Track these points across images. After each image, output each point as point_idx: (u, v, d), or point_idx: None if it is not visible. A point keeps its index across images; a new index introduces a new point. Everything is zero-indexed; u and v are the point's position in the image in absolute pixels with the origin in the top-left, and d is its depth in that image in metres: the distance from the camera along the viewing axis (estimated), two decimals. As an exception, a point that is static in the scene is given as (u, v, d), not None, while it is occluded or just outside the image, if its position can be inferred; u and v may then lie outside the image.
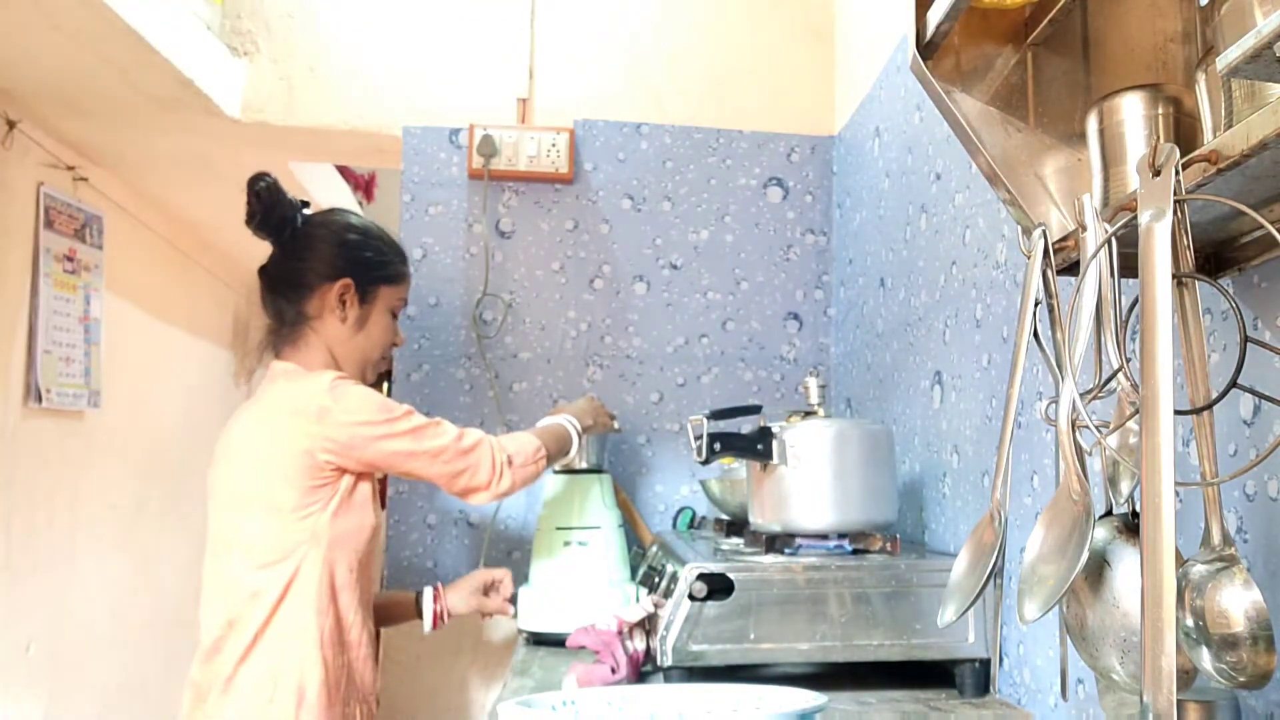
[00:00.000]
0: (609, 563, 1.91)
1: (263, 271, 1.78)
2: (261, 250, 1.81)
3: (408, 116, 2.40)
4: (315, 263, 1.74)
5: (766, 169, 2.46)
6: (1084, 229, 0.81)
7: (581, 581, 1.88)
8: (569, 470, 1.99)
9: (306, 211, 1.80)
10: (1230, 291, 0.86)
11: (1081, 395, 0.76)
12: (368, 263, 1.77)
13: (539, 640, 1.85)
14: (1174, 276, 0.68)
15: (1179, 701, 0.65)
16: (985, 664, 1.36)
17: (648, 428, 2.37)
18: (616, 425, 2.02)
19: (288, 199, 1.76)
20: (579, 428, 1.87)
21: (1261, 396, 0.74)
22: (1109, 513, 0.81)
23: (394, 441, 1.64)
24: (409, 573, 2.27)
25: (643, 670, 1.44)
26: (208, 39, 2.31)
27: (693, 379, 2.40)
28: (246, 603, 1.58)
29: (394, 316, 1.82)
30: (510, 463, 1.69)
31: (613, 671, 1.39)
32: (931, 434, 1.71)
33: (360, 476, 1.67)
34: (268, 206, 1.72)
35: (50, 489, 2.87)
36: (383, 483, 2.43)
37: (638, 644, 1.44)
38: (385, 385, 2.41)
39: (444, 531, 2.29)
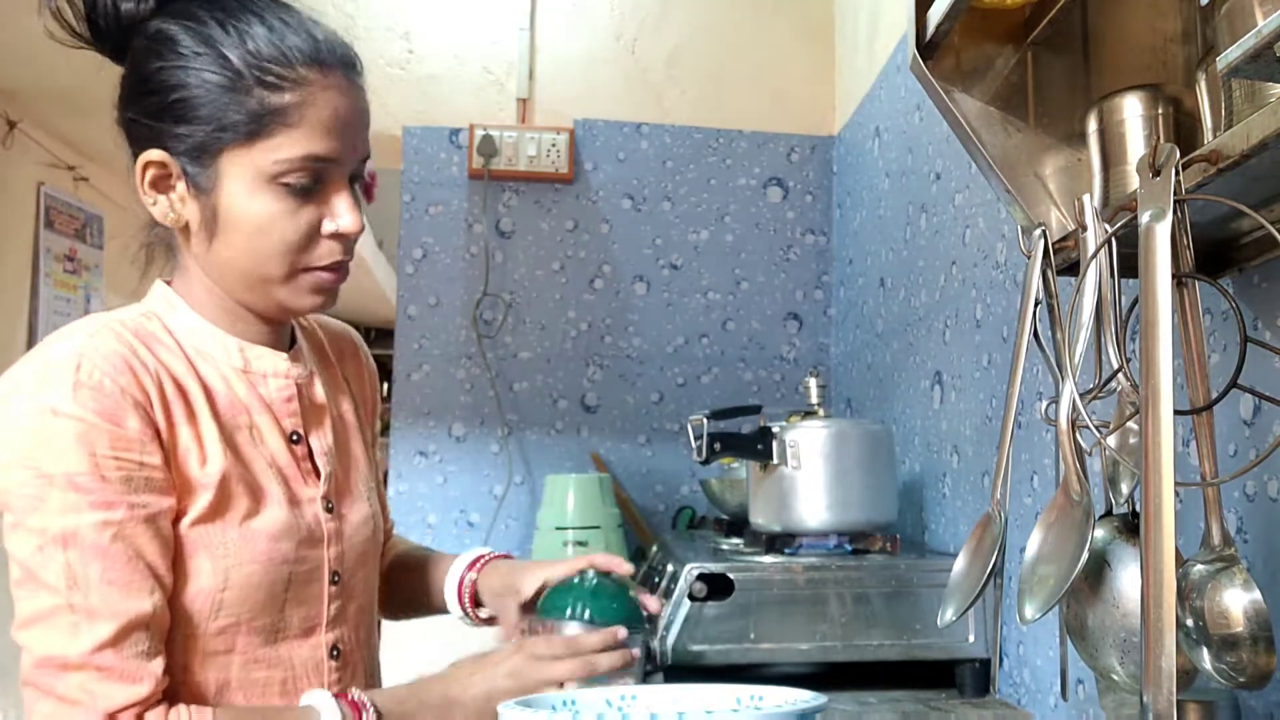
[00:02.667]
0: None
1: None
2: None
3: (408, 116, 2.39)
4: (124, 126, 0.98)
5: (766, 169, 2.46)
6: (1084, 229, 0.81)
7: None
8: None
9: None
10: (1230, 291, 0.86)
11: (1081, 395, 0.76)
12: (185, 107, 0.91)
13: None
14: (1174, 276, 0.68)
15: (1179, 701, 0.65)
16: (985, 664, 1.36)
17: (648, 428, 2.37)
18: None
19: None
20: None
21: (1261, 396, 0.74)
22: (1109, 513, 0.81)
23: (16, 561, 0.85)
24: (409, 573, 2.26)
25: (643, 670, 1.44)
26: (208, 39, 2.31)
27: (693, 379, 2.40)
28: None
29: (301, 185, 0.92)
30: None
31: (613, 671, 1.39)
32: (931, 434, 1.71)
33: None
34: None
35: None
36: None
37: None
38: (385, 386, 2.38)
39: (444, 531, 2.29)
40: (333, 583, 1.00)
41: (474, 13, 2.44)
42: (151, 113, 0.93)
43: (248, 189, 0.91)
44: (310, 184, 0.92)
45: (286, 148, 0.90)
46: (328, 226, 0.94)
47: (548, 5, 2.45)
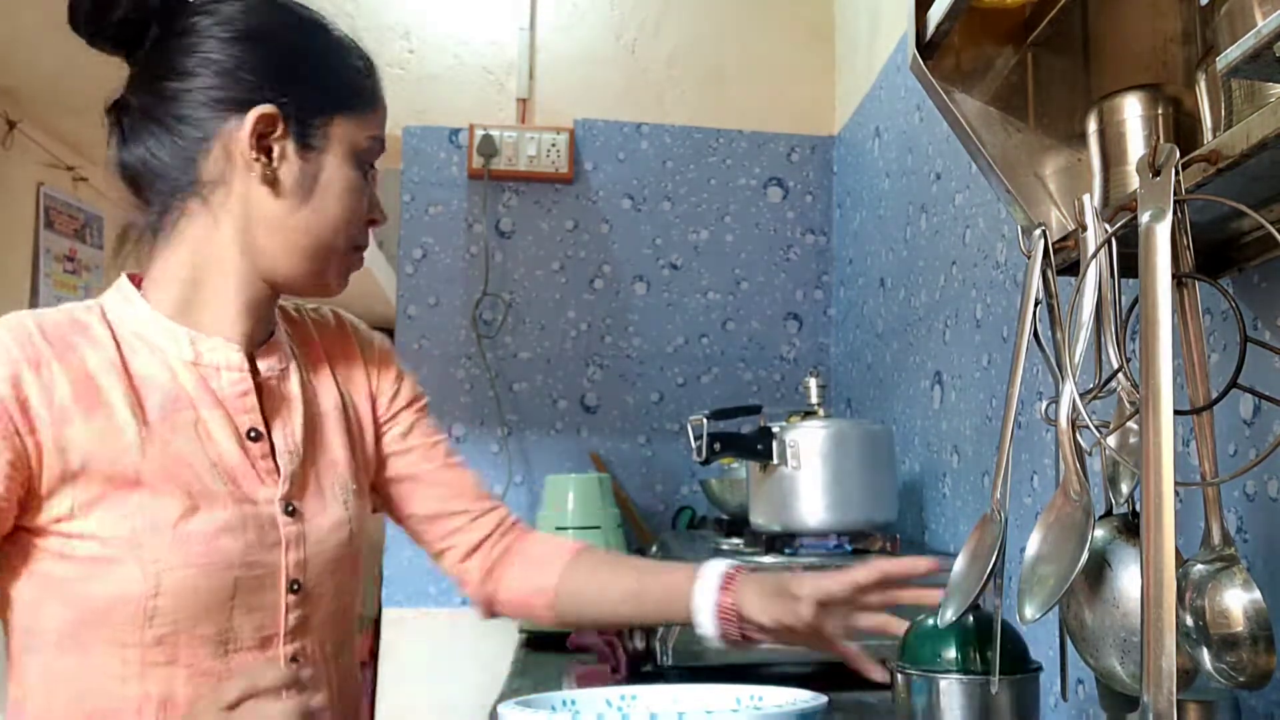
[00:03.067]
0: None
1: (117, 113, 1.01)
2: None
3: (408, 116, 2.39)
4: (210, 78, 0.93)
5: (766, 169, 2.46)
6: (1084, 229, 0.81)
7: None
8: None
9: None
10: (1230, 291, 0.86)
11: (1081, 395, 0.76)
12: (306, 68, 0.96)
13: (539, 640, 1.85)
14: (1174, 276, 0.68)
15: (1179, 701, 0.65)
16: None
17: (648, 428, 2.37)
18: None
19: None
20: None
21: (1261, 396, 0.74)
22: (1109, 513, 0.81)
23: None
24: (409, 572, 2.26)
25: (643, 670, 1.44)
26: (208, 39, 2.31)
27: (693, 379, 2.40)
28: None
29: (366, 167, 0.99)
30: None
31: (613, 671, 1.39)
32: (931, 434, 1.71)
33: (32, 507, 0.86)
34: None
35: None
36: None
37: (638, 644, 1.44)
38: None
39: (444, 531, 2.28)
40: (291, 590, 0.93)
41: (474, 13, 2.44)
42: (267, 67, 0.93)
43: (344, 158, 0.95)
44: (370, 167, 0.99)
45: (373, 128, 0.98)
46: (373, 212, 1.00)
47: (548, 5, 2.45)
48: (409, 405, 1.16)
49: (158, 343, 0.92)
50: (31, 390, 0.84)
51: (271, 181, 0.93)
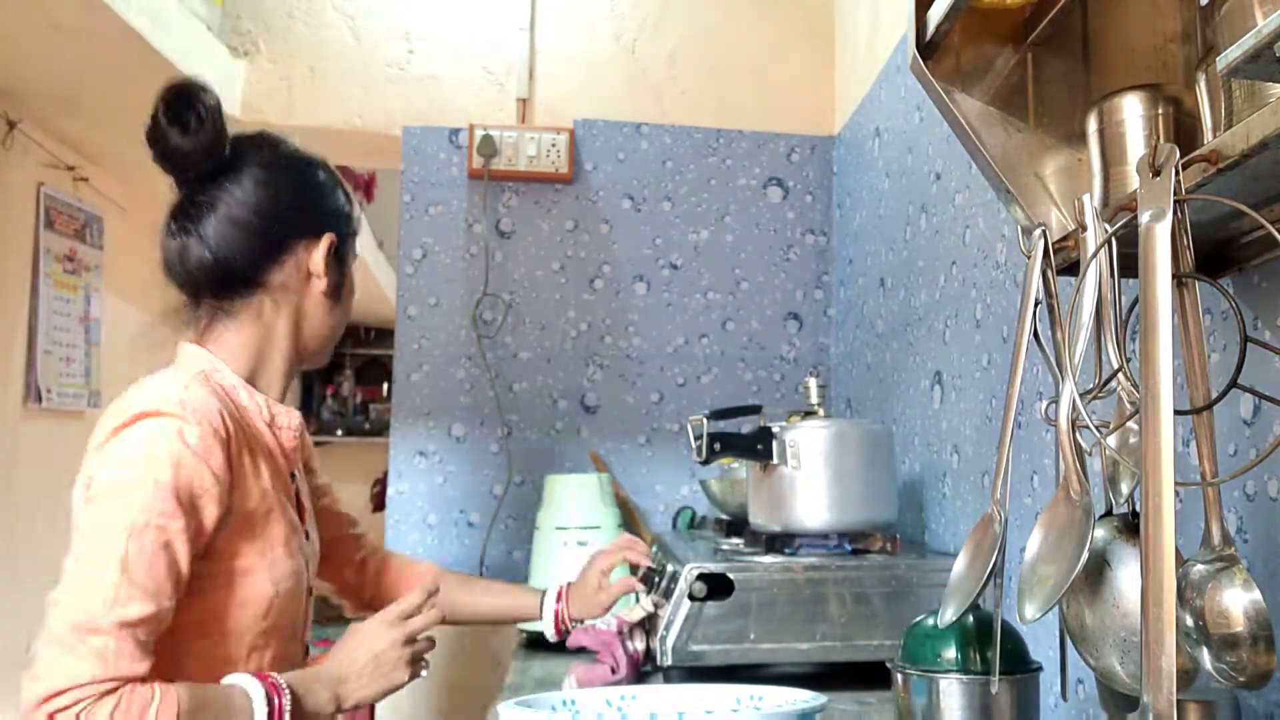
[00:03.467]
0: None
1: (183, 225, 1.21)
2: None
3: (408, 116, 2.40)
4: (286, 211, 1.22)
5: (766, 169, 2.46)
6: (1084, 229, 0.81)
7: None
8: None
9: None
10: (1230, 291, 0.86)
11: (1081, 395, 0.76)
12: (345, 211, 1.30)
13: (539, 640, 1.85)
14: (1174, 276, 0.68)
15: (1179, 701, 0.65)
16: (985, 664, 1.36)
17: (648, 428, 2.37)
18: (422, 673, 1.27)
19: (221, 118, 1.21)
20: (277, 703, 1.06)
21: (1261, 396, 0.74)
22: (1109, 513, 0.81)
23: (84, 538, 1.03)
24: (409, 573, 2.26)
25: (643, 670, 1.44)
26: (208, 39, 2.31)
27: (693, 379, 2.40)
28: None
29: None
30: (66, 710, 0.95)
31: (613, 671, 1.39)
32: (931, 434, 1.71)
33: (220, 528, 1.10)
34: (216, 126, 1.20)
35: (50, 489, 2.87)
36: (381, 482, 2.43)
37: (638, 644, 1.44)
38: (385, 386, 2.37)
39: (444, 531, 2.29)
40: (308, 594, 1.26)
41: (474, 13, 2.44)
42: (323, 203, 1.27)
43: (352, 270, 1.31)
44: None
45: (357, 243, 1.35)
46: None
47: (548, 5, 2.45)
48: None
49: (247, 405, 1.19)
50: (233, 442, 1.12)
51: (324, 290, 1.26)
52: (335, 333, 1.31)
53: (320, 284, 1.25)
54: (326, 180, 1.29)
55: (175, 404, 1.07)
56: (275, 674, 1.09)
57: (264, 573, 1.13)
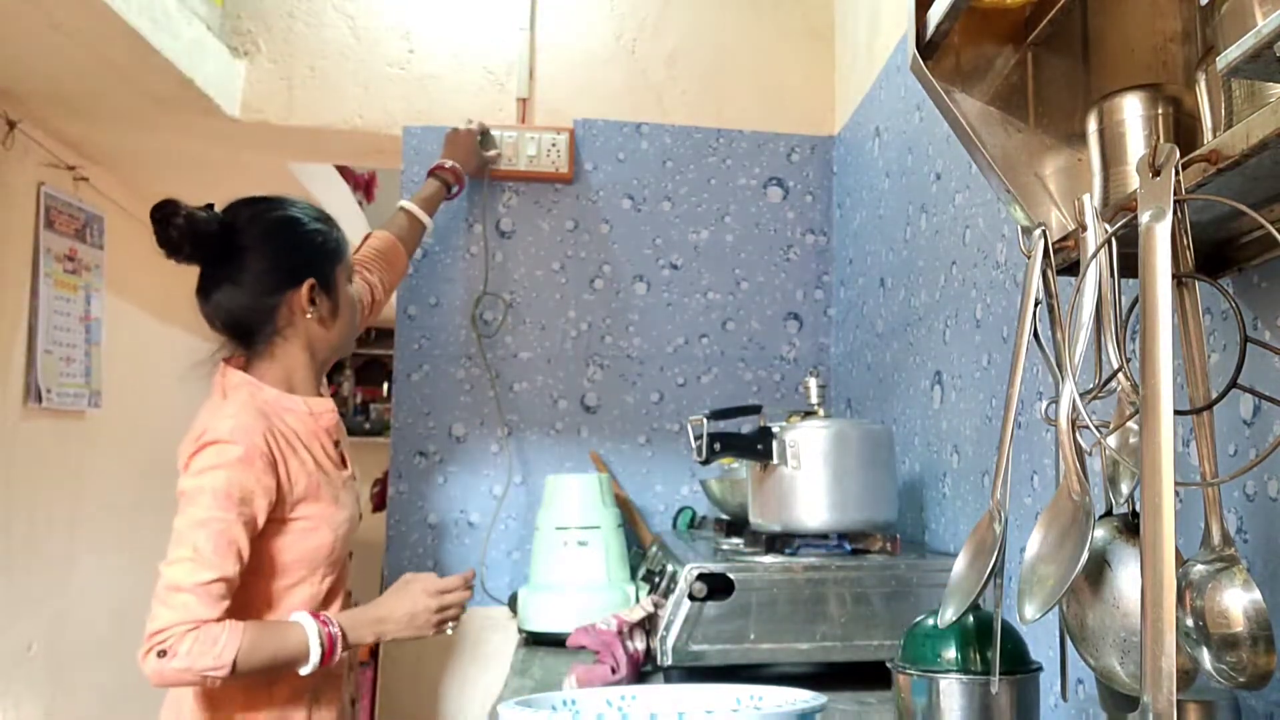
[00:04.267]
0: (609, 562, 1.91)
1: (204, 295, 1.59)
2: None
3: (408, 116, 2.40)
4: (272, 274, 1.57)
5: (766, 169, 2.46)
6: (1084, 229, 0.81)
7: (581, 581, 1.88)
8: None
9: (219, 214, 1.59)
10: (1230, 291, 0.86)
11: (1081, 395, 0.76)
12: (321, 248, 1.62)
13: (539, 640, 1.85)
14: (1174, 276, 0.68)
15: (1179, 701, 0.65)
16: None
17: (648, 428, 2.37)
18: (450, 629, 1.67)
19: (199, 213, 1.55)
20: (327, 645, 1.48)
21: (1261, 396, 0.74)
22: (1109, 513, 0.81)
23: (176, 530, 1.44)
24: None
25: (643, 670, 1.44)
26: (208, 39, 2.31)
27: (693, 379, 2.40)
28: None
29: (351, 281, 1.71)
30: (162, 655, 1.37)
31: (613, 671, 1.39)
32: (931, 434, 1.71)
33: (276, 510, 1.50)
34: (193, 230, 1.53)
35: (50, 489, 2.87)
36: (381, 482, 2.43)
37: (638, 644, 1.44)
38: (385, 386, 2.39)
39: (445, 531, 2.29)
40: (358, 519, 1.67)
41: (474, 13, 2.44)
42: (300, 254, 1.61)
43: (345, 283, 1.67)
44: (350, 276, 1.71)
45: (348, 256, 1.70)
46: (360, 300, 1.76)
47: (548, 5, 2.45)
48: None
49: (290, 408, 1.58)
50: (273, 447, 1.50)
51: (320, 320, 1.62)
52: (344, 340, 1.69)
53: (313, 315, 1.60)
54: (302, 231, 1.61)
55: (228, 431, 1.46)
56: (326, 614, 1.52)
57: (325, 525, 1.55)
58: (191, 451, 1.47)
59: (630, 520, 2.24)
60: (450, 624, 1.64)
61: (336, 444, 1.65)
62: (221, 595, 1.41)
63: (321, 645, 1.46)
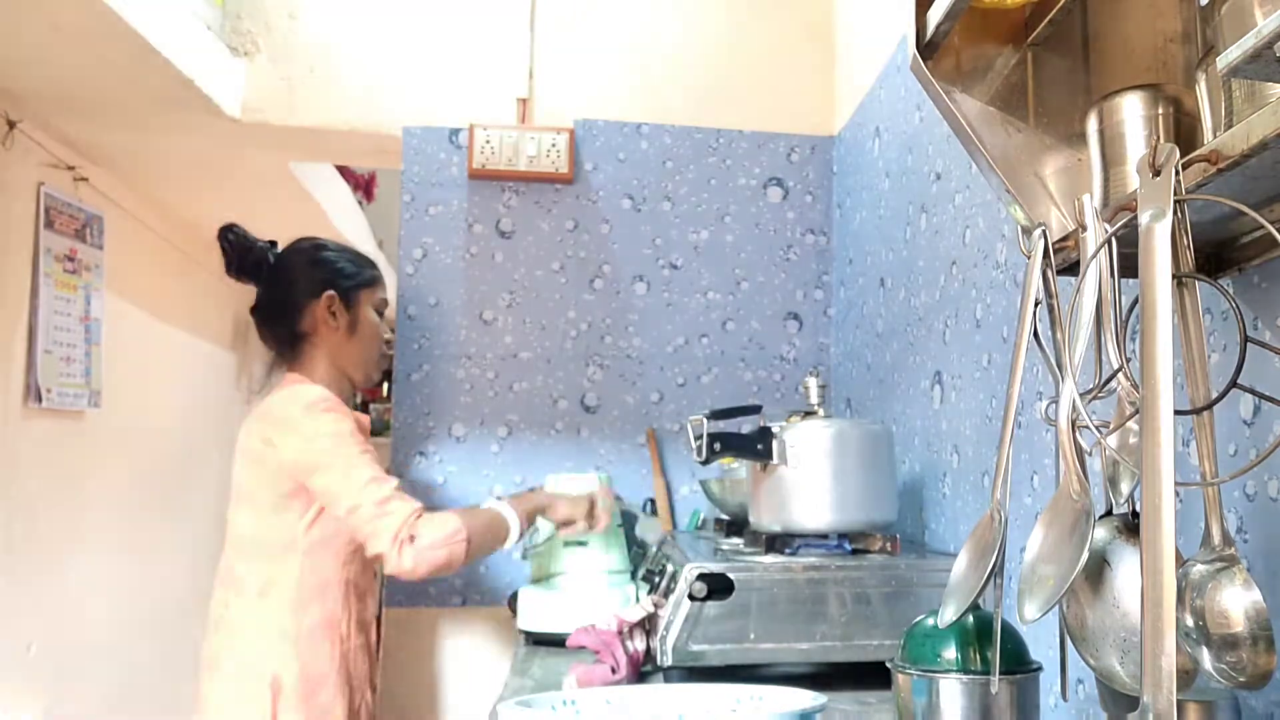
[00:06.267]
0: (608, 562, 1.91)
1: (254, 311, 1.92)
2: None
3: (408, 116, 2.40)
4: (299, 286, 1.86)
5: (766, 169, 2.46)
6: (1084, 229, 0.81)
7: (581, 581, 1.88)
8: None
9: (276, 248, 1.94)
10: (1230, 291, 0.86)
11: (1081, 395, 0.76)
12: (342, 272, 1.89)
13: (539, 640, 1.85)
14: (1174, 276, 0.68)
15: (1179, 701, 0.65)
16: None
17: (648, 428, 2.37)
18: (602, 524, 1.88)
19: (256, 242, 1.90)
20: (520, 520, 1.78)
21: (1261, 396, 0.74)
22: (1109, 513, 0.81)
23: (327, 476, 1.68)
24: (409, 573, 2.26)
25: (643, 670, 1.44)
26: (208, 39, 2.31)
27: (693, 379, 2.40)
28: (235, 592, 1.73)
29: (382, 314, 1.94)
30: (411, 540, 1.64)
31: (613, 671, 1.39)
32: (931, 434, 1.71)
33: None
34: (241, 252, 1.87)
35: (50, 489, 2.87)
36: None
37: (638, 644, 1.44)
38: (385, 386, 2.43)
39: (444, 531, 2.28)
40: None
41: (474, 13, 2.44)
42: (324, 274, 1.87)
43: (368, 310, 1.91)
44: (382, 314, 1.94)
45: (381, 293, 1.95)
46: (385, 336, 1.97)
47: (548, 5, 2.45)
48: None
49: (340, 405, 1.81)
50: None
51: (336, 328, 1.86)
52: (365, 358, 1.90)
53: (334, 325, 1.85)
54: (325, 257, 1.90)
55: (319, 395, 1.75)
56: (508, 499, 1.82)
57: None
58: (300, 411, 1.71)
59: (660, 504, 2.26)
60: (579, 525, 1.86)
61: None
62: (413, 494, 1.71)
63: (514, 518, 1.76)
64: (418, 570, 1.63)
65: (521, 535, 1.78)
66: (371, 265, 1.96)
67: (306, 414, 1.71)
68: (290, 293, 1.87)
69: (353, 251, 1.97)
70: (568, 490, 1.89)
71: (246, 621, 1.72)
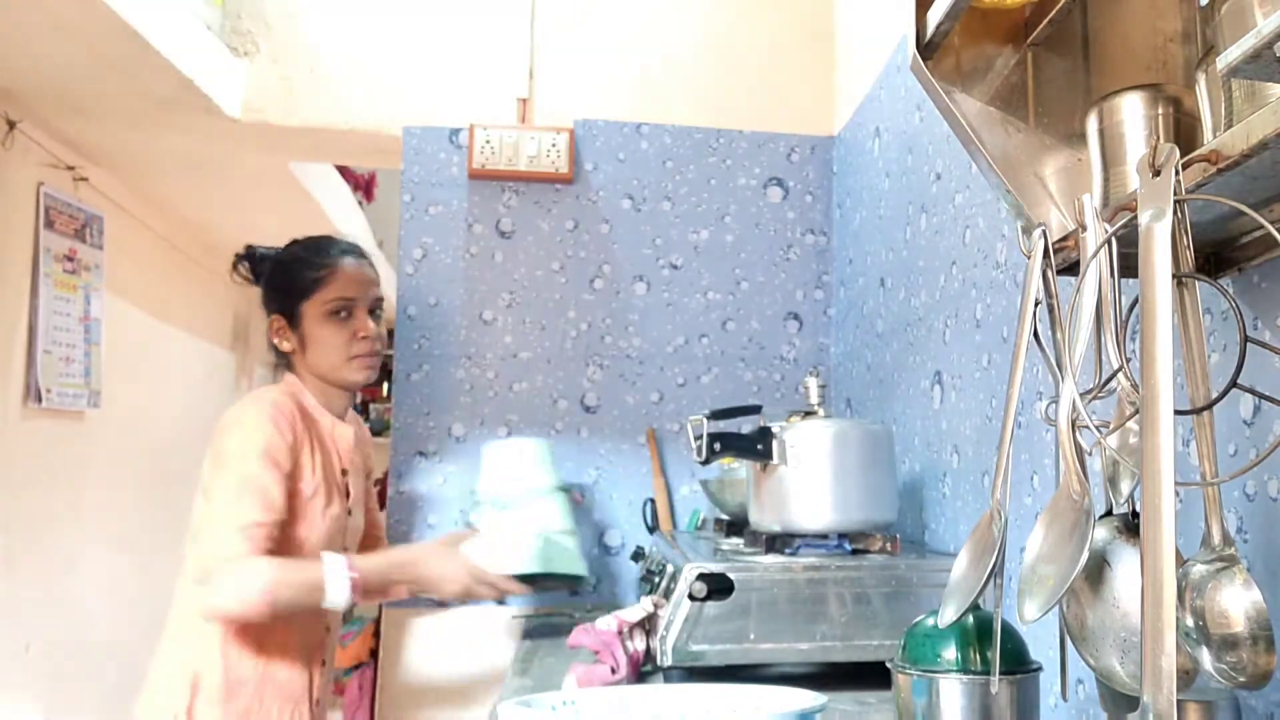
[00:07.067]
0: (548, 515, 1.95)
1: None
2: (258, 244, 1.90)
3: (408, 116, 2.39)
4: (265, 307, 1.85)
5: (766, 169, 2.46)
6: (1084, 229, 0.81)
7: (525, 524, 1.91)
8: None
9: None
10: (1230, 291, 0.86)
11: (1081, 395, 0.76)
12: (282, 289, 1.81)
13: (539, 633, 1.85)
14: (1174, 276, 0.68)
15: (1179, 701, 0.65)
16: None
17: (648, 428, 2.36)
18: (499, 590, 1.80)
19: (254, 248, 1.89)
20: (348, 591, 1.61)
21: (1261, 396, 0.74)
22: (1109, 513, 0.81)
23: (215, 483, 1.62)
24: (409, 573, 2.26)
25: (643, 670, 1.44)
26: (208, 39, 2.31)
27: (693, 379, 2.40)
28: (183, 576, 1.70)
29: (340, 314, 1.79)
30: (211, 580, 1.57)
31: (613, 671, 1.39)
32: (931, 434, 1.71)
33: (294, 492, 1.67)
34: (246, 258, 1.88)
35: (50, 489, 2.87)
36: (381, 482, 2.44)
37: (638, 644, 1.44)
38: (385, 385, 2.42)
39: (444, 531, 2.28)
40: (343, 549, 1.76)
41: (474, 13, 2.44)
42: (271, 293, 1.83)
43: (317, 321, 1.78)
44: (344, 313, 1.79)
45: (331, 295, 1.78)
46: (358, 331, 1.80)
47: (548, 5, 2.45)
48: (371, 472, 2.01)
49: (319, 420, 1.78)
50: (298, 432, 1.70)
51: (291, 350, 1.81)
52: (331, 363, 1.78)
53: (289, 346, 1.80)
54: (284, 269, 1.82)
55: (270, 404, 1.68)
56: (350, 556, 1.68)
57: (318, 517, 1.69)
58: (224, 422, 1.68)
59: (660, 503, 2.28)
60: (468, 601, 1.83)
61: (344, 473, 1.80)
62: (261, 537, 1.58)
63: (341, 582, 1.60)
64: (209, 614, 1.59)
65: (351, 605, 1.65)
66: (318, 261, 1.80)
67: (237, 421, 1.66)
68: (265, 310, 1.86)
69: (302, 248, 1.84)
70: (449, 561, 1.74)
71: (185, 607, 1.67)
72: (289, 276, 1.81)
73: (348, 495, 1.80)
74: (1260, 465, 0.87)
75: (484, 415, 2.33)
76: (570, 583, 1.96)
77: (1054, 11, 0.98)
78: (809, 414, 1.60)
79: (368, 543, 1.95)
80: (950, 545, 1.60)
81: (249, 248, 1.89)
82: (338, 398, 1.83)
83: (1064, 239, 0.88)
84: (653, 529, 2.28)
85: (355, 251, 1.86)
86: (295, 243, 1.87)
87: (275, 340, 1.81)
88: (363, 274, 1.83)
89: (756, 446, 1.52)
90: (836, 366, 2.38)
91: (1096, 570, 0.78)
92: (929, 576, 1.41)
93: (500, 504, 1.94)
